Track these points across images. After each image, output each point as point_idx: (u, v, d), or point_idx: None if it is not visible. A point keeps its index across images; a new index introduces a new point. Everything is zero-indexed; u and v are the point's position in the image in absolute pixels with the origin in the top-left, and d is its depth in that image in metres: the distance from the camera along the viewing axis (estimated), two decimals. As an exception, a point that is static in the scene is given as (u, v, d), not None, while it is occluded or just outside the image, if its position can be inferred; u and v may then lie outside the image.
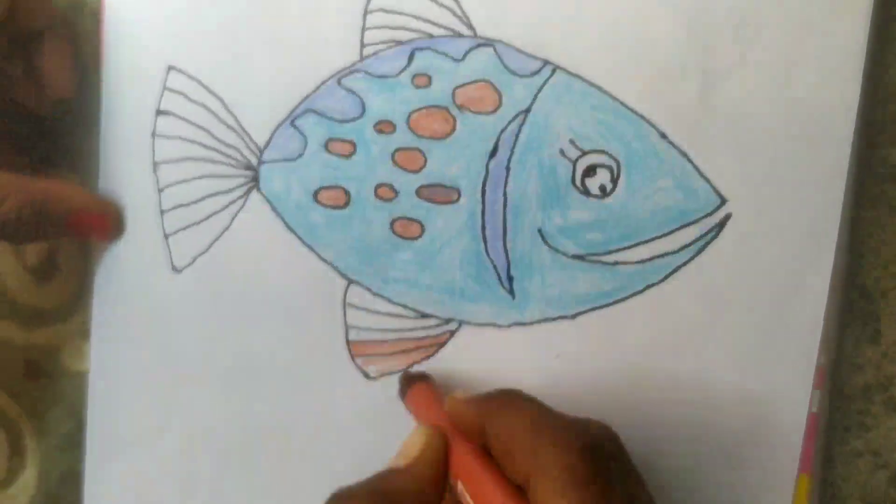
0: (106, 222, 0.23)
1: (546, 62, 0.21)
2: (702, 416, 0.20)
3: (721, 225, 0.20)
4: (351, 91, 0.22)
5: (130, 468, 0.23)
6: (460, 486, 0.17)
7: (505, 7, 0.21)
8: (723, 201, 0.20)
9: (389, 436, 0.19)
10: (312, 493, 0.18)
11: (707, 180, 0.20)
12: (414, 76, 0.22)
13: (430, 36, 0.21)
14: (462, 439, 0.17)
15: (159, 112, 0.23)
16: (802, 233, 0.20)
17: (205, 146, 0.22)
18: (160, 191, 0.23)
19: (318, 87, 0.22)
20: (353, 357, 0.22)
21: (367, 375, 0.22)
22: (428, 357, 0.22)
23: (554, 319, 0.21)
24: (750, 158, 0.20)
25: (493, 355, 0.21)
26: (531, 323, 0.21)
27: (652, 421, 0.20)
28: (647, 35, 0.20)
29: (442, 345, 0.22)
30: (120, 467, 0.23)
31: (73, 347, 0.25)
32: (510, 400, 0.17)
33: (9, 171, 0.22)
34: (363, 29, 0.22)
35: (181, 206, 0.22)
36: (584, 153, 0.21)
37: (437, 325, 0.22)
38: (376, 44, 0.22)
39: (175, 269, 0.23)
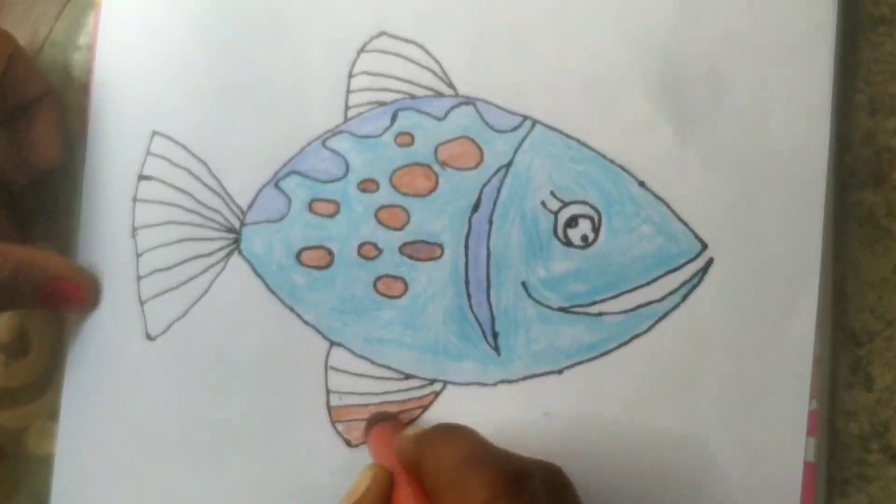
0: (82, 291, 0.40)
1: (525, 117, 0.38)
2: (695, 471, 0.34)
3: (704, 270, 0.35)
4: (335, 152, 0.39)
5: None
6: None
7: (485, 66, 0.38)
8: (704, 246, 0.35)
9: None
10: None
11: (687, 225, 0.36)
12: (397, 135, 0.39)
13: (413, 96, 0.39)
14: (407, 479, 0.30)
15: (141, 177, 0.40)
16: (785, 276, 0.35)
17: (186, 209, 0.40)
18: (138, 256, 0.40)
19: (302, 149, 0.39)
20: (333, 423, 0.37)
21: (348, 443, 0.37)
22: (413, 420, 0.37)
23: (540, 375, 0.36)
24: (728, 203, 0.35)
25: (480, 415, 0.36)
26: (517, 380, 0.36)
27: (644, 478, 0.34)
28: (622, 87, 0.37)
29: (426, 407, 0.37)
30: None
31: (40, 429, 0.41)
32: (444, 434, 0.30)
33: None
34: (347, 91, 0.39)
35: (159, 270, 0.39)
36: (566, 204, 0.37)
37: (422, 387, 0.37)
38: (360, 105, 0.39)
39: (149, 337, 0.39)
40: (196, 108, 0.40)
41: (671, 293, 0.35)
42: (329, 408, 0.38)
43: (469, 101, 0.38)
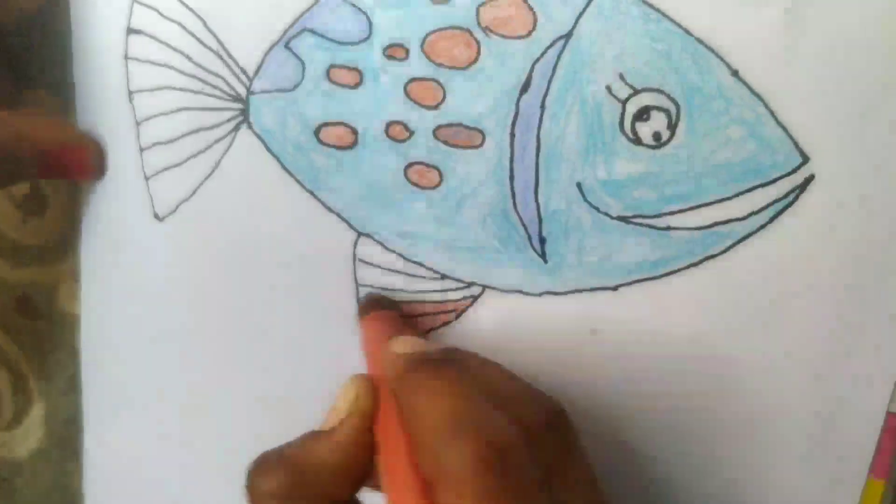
0: (85, 160, 0.35)
1: (592, -26, 0.29)
2: (758, 410, 0.31)
3: (801, 188, 0.29)
4: (355, 7, 0.32)
5: (129, 424, 0.39)
6: (380, 463, 0.25)
7: None
8: (805, 159, 0.29)
9: None
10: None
11: (787, 132, 0.29)
12: (430, -12, 0.31)
13: (449, -62, 0.30)
14: (395, 416, 0.24)
15: (130, 30, 0.34)
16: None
17: (183, 73, 0.34)
18: (138, 124, 0.35)
19: (315, 1, 0.32)
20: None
21: (380, 339, 0.35)
22: (447, 323, 0.34)
23: (592, 290, 0.32)
24: (843, 109, 0.28)
25: (521, 326, 0.33)
26: (565, 293, 0.32)
27: (699, 414, 0.31)
28: (722, -59, 0.28)
29: (462, 311, 0.33)
30: (119, 421, 0.39)
31: (69, 288, 0.40)
32: (434, 377, 0.23)
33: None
34: (368, -72, 0.31)
35: (160, 143, 0.35)
36: (637, 92, 0.30)
37: (458, 290, 0.33)
38: (384, -53, 0.31)
39: (157, 217, 0.36)
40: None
41: (757, 212, 0.29)
42: (359, 301, 0.34)
43: (522, -53, 0.30)
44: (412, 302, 0.34)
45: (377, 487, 0.25)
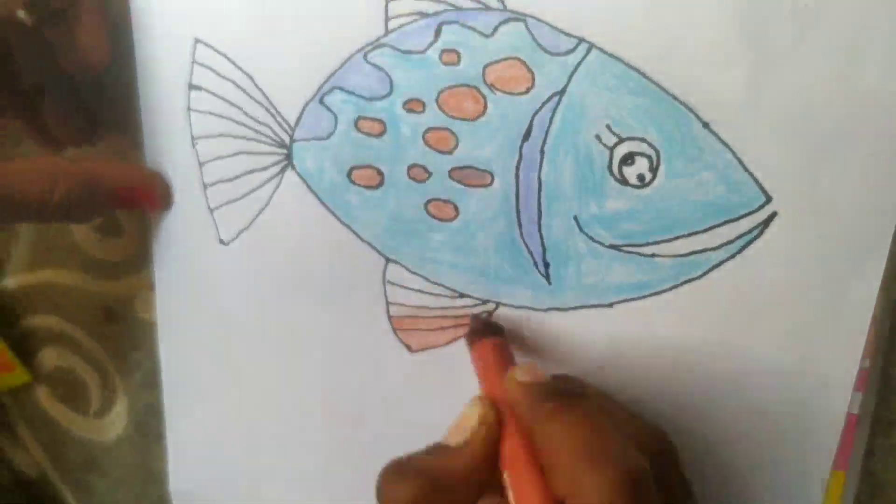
0: (154, 195, 0.41)
1: (581, 40, 0.34)
2: (734, 413, 0.36)
3: (765, 224, 0.33)
4: (377, 67, 0.37)
5: (203, 414, 0.45)
6: (506, 477, 0.28)
7: (535, -23, 0.33)
8: (768, 199, 0.33)
9: (433, 406, 0.38)
10: (361, 459, 0.37)
11: (752, 175, 0.33)
12: (442, 52, 0.36)
13: (457, 8, 0.35)
14: (521, 441, 0.28)
15: (191, 87, 0.40)
16: (853, 238, 0.32)
17: (238, 123, 0.39)
18: (201, 165, 0.41)
19: (343, 63, 0.37)
20: (395, 331, 0.40)
21: (409, 349, 0.40)
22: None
23: (590, 307, 0.37)
24: (800, 154, 0.32)
25: (532, 336, 0.38)
26: (567, 309, 0.37)
27: (681, 415, 0.36)
28: (691, 15, 0.32)
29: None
30: (194, 410, 0.46)
31: (143, 298, 0.46)
32: (567, 407, 0.27)
33: (63, 139, 0.41)
34: (387, 0, 0.36)
35: (222, 181, 0.40)
36: (622, 140, 0.34)
37: (475, 305, 0.39)
38: (401, 16, 0.36)
39: (222, 242, 0.41)
40: (234, 15, 0.38)
41: (728, 243, 0.34)
42: (390, 317, 0.40)
43: (519, 17, 0.34)
44: (437, 317, 0.39)
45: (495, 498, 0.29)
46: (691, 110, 0.33)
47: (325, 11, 0.37)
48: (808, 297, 0.34)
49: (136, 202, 0.41)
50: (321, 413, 0.43)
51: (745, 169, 0.33)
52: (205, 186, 0.41)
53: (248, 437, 0.45)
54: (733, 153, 0.33)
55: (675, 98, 0.33)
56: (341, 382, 0.42)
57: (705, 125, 0.33)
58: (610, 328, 0.37)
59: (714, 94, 0.33)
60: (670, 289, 0.35)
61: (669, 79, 0.33)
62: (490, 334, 0.37)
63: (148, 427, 0.49)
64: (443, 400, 0.36)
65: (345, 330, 0.41)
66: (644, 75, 0.33)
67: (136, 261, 0.46)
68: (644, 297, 0.36)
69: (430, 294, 0.39)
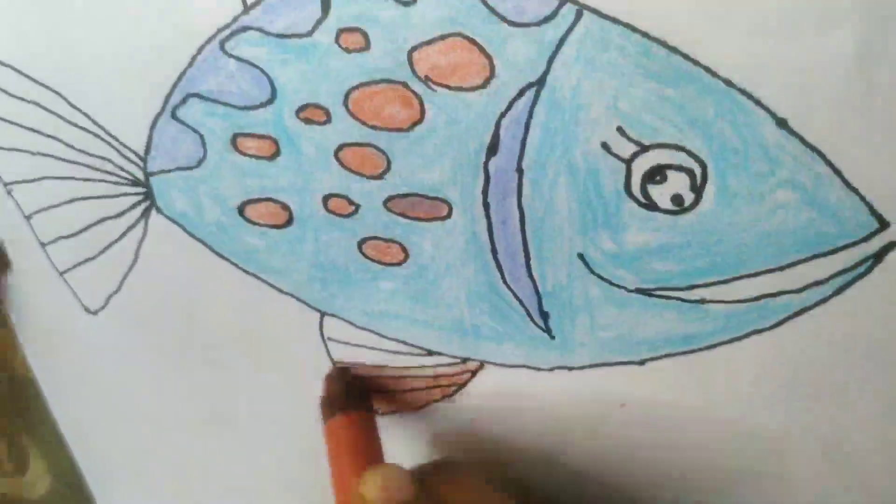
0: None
1: (563, 1, 0.20)
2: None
3: (877, 257, 0.21)
4: (245, 62, 0.23)
5: (127, 485, 0.36)
6: None
7: None
8: (883, 224, 0.21)
9: None
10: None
11: (857, 192, 0.21)
12: (339, 32, 0.22)
13: (350, -37, 0.21)
14: None
15: (-24, 113, 0.26)
16: None
17: (61, 159, 0.26)
18: (28, 218, 0.28)
19: (192, 60, 0.24)
20: (349, 395, 0.29)
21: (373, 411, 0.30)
22: (449, 397, 0.28)
23: (613, 364, 0.26)
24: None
25: (534, 402, 0.27)
26: (581, 367, 0.26)
27: (737, 492, 0.26)
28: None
29: (462, 385, 0.28)
30: (116, 482, 0.36)
31: (18, 355, 0.35)
32: None
33: None
34: (235, -43, 0.22)
35: (63, 238, 0.28)
36: (644, 148, 0.22)
37: (452, 364, 0.28)
38: (262, -20, 0.22)
39: (89, 311, 0.30)
40: (5, 7, 0.24)
41: (817, 283, 0.22)
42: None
43: (454, -31, 0.21)
44: (404, 378, 0.28)
45: None
46: (758, 102, 0.20)
47: (142, -15, 0.23)
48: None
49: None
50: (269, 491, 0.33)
51: (848, 185, 0.21)
52: (42, 245, 0.29)
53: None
54: (829, 163, 0.20)
55: (729, 84, 0.20)
56: (286, 455, 0.32)
57: (781, 123, 0.20)
58: (640, 390, 0.26)
59: (797, 76, 0.20)
60: (728, 342, 0.24)
61: (719, 56, 0.20)
62: (343, 409, 0.27)
63: (80, 484, 0.40)
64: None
65: (282, 399, 0.30)
66: (675, 50, 0.20)
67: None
68: (690, 352, 0.25)
69: (390, 353, 0.28)
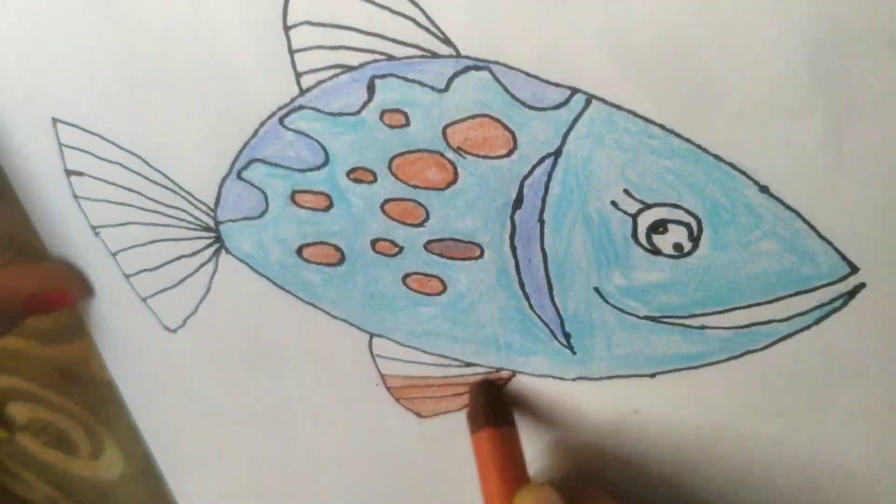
0: (65, 294, 0.34)
1: (574, 90, 0.24)
2: (793, 497, 0.30)
3: (850, 295, 0.25)
4: (301, 133, 0.27)
5: (203, 480, 0.41)
6: None
7: (498, 14, 0.23)
8: (853, 269, 0.25)
9: (450, 475, 0.33)
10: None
11: (830, 243, 0.24)
12: (383, 113, 0.26)
13: (391, 57, 0.25)
14: None
15: (69, 172, 0.30)
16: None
17: (143, 209, 0.31)
18: (114, 255, 0.32)
19: (255, 132, 0.27)
20: (398, 400, 0.34)
21: (418, 415, 0.34)
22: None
23: (628, 377, 0.30)
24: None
25: (559, 406, 0.31)
26: (600, 378, 0.30)
27: (733, 495, 0.30)
28: (738, 50, 0.22)
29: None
30: (192, 477, 0.41)
31: (97, 360, 0.40)
32: None
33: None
34: (290, 51, 0.25)
35: (145, 270, 0.32)
36: (648, 206, 0.25)
37: (488, 373, 0.32)
38: (316, 70, 0.26)
39: (169, 329, 0.34)
40: (99, 88, 0.28)
41: (800, 314, 0.26)
42: (389, 388, 0.34)
43: (480, 64, 0.24)
44: (444, 384, 0.33)
45: None
46: (743, 172, 0.24)
47: (205, 73, 0.27)
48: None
49: (50, 306, 0.34)
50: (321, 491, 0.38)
51: (822, 237, 0.24)
52: (127, 277, 0.33)
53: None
54: (804, 220, 0.24)
55: (718, 158, 0.24)
56: (345, 455, 0.36)
57: (763, 189, 0.24)
58: (654, 397, 0.30)
59: (776, 151, 0.23)
60: (727, 360, 0.28)
61: (708, 136, 0.23)
62: (491, 423, 0.30)
63: (151, 468, 0.45)
64: (462, 469, 0.31)
65: (338, 404, 0.35)
66: (671, 131, 0.24)
67: (77, 327, 0.39)
68: (694, 368, 0.29)
69: (432, 365, 0.32)
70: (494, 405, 0.31)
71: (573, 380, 0.31)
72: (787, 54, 0.21)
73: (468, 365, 0.32)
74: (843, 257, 0.24)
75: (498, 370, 0.31)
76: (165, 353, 0.35)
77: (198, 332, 0.34)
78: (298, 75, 0.26)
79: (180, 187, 0.30)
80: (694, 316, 0.27)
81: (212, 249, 0.31)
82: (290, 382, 0.34)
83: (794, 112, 0.22)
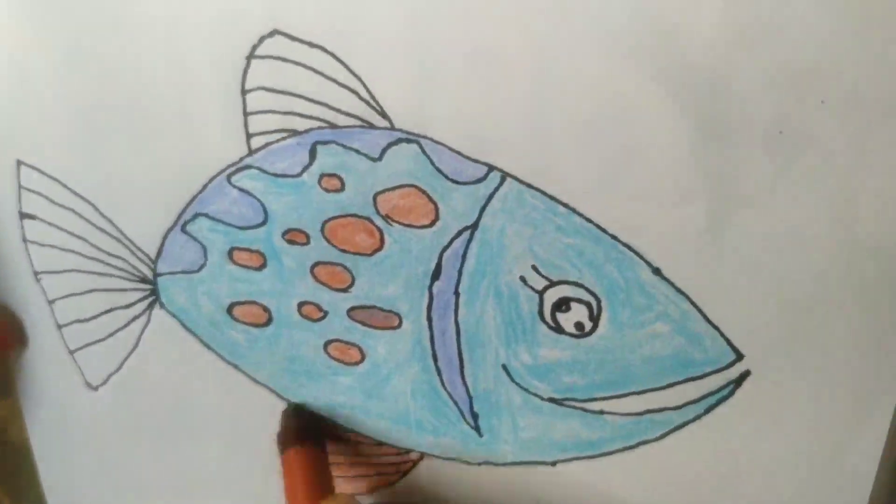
0: (2, 338, 0.36)
1: (491, 167, 0.28)
2: None
3: (737, 382, 0.28)
4: (245, 192, 0.31)
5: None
6: None
7: (430, 91, 0.27)
8: (739, 356, 0.28)
9: None
10: None
11: (717, 329, 0.27)
12: (321, 176, 0.29)
13: (333, 125, 0.29)
14: None
15: (23, 215, 0.34)
16: (846, 400, 0.27)
17: (86, 257, 0.33)
18: (51, 303, 0.35)
19: (204, 187, 0.31)
20: (308, 478, 0.35)
21: (327, 495, 0.36)
22: (392, 483, 0.34)
23: (531, 464, 0.32)
24: (777, 306, 0.26)
25: (465, 492, 0.33)
26: (504, 464, 0.32)
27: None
28: (636, 139, 0.26)
29: (405, 472, 0.34)
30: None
31: (18, 423, 0.41)
32: None
33: None
34: (245, 113, 0.29)
35: (79, 321, 0.35)
36: (553, 283, 0.29)
37: (397, 454, 0.34)
38: (266, 133, 0.29)
39: (91, 387, 0.36)
40: (62, 135, 0.32)
41: (692, 402, 0.29)
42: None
43: (412, 137, 0.28)
44: (354, 464, 0.34)
45: None
46: (637, 253, 0.27)
47: (169, 128, 0.30)
48: (792, 469, 0.29)
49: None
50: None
51: (708, 321, 0.27)
52: (59, 327, 0.35)
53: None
54: (692, 303, 0.27)
55: (615, 238, 0.27)
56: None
57: (656, 271, 0.27)
58: (553, 489, 0.32)
59: (666, 235, 0.27)
60: (623, 449, 0.30)
61: (607, 216, 0.27)
62: (298, 442, 0.32)
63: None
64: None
65: (252, 475, 0.36)
66: (574, 210, 0.27)
67: (2, 386, 0.40)
68: (593, 457, 0.31)
69: (343, 442, 0.34)
70: (305, 426, 0.33)
71: (479, 464, 0.33)
72: (674, 144, 0.25)
73: (378, 444, 0.34)
74: (729, 342, 0.27)
75: (407, 451, 0.33)
76: (84, 413, 0.37)
77: (119, 391, 0.36)
78: (249, 136, 0.30)
79: (125, 236, 0.33)
80: (594, 400, 0.30)
81: (146, 302, 0.34)
82: (207, 449, 0.36)
83: (680, 199, 0.26)
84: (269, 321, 0.32)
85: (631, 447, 0.30)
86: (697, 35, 0.24)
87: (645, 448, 0.30)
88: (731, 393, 0.28)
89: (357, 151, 0.29)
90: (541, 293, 0.29)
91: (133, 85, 0.30)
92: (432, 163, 0.28)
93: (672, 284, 0.27)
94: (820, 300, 0.26)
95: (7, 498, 0.44)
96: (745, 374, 0.28)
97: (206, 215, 0.31)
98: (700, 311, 0.27)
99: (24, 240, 0.34)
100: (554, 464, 0.31)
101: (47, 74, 0.31)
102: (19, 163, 0.33)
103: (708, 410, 0.29)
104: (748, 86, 0.24)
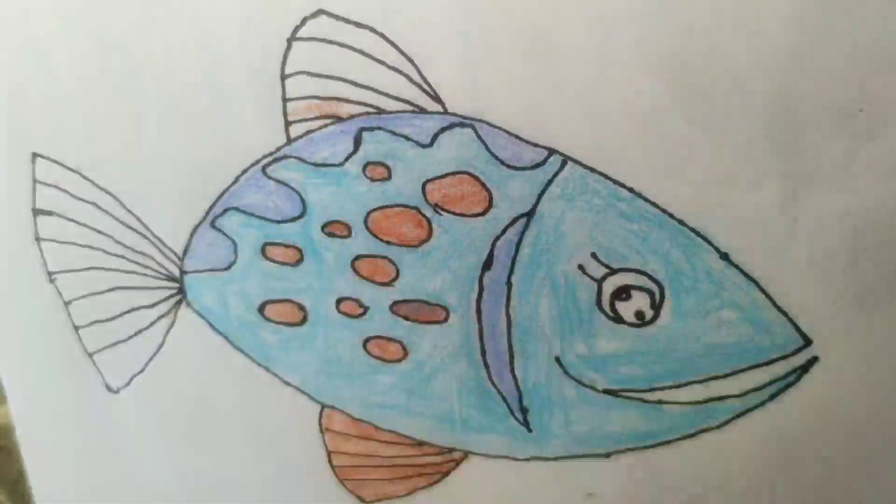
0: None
1: (551, 151, 0.27)
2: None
3: (803, 369, 0.28)
4: (282, 183, 0.30)
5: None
6: None
7: (487, 72, 0.26)
8: (807, 342, 0.28)
9: None
10: None
11: (786, 314, 0.27)
12: (366, 165, 0.29)
13: (381, 111, 0.28)
14: None
15: (37, 211, 0.32)
16: (917, 385, 0.27)
17: (109, 254, 0.32)
18: (67, 304, 0.34)
19: (237, 179, 0.30)
20: (341, 481, 0.35)
21: (361, 500, 0.35)
22: (432, 485, 0.34)
23: (583, 457, 0.32)
24: (848, 291, 0.26)
25: (511, 489, 0.33)
26: (555, 458, 0.32)
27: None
28: (705, 119, 0.25)
29: (446, 473, 0.33)
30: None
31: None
32: None
33: None
34: (284, 99, 0.28)
35: (98, 322, 0.34)
36: (613, 271, 0.28)
37: (439, 454, 0.33)
38: (306, 120, 0.28)
39: (111, 390, 0.35)
40: (81, 123, 0.30)
41: (755, 390, 0.29)
42: (333, 467, 0.34)
43: (465, 122, 0.27)
44: (392, 466, 0.34)
45: None
46: (705, 238, 0.27)
47: (199, 117, 0.29)
48: (859, 453, 0.29)
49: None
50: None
51: (778, 308, 0.27)
52: (76, 329, 0.34)
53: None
54: (762, 290, 0.27)
55: (682, 223, 0.27)
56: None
57: (724, 256, 0.27)
58: (606, 481, 0.31)
59: (736, 218, 0.26)
60: (682, 438, 0.30)
61: (674, 200, 0.27)
62: None
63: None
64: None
65: (280, 483, 0.35)
66: (639, 195, 0.27)
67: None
68: (649, 447, 0.31)
69: (382, 442, 0.33)
70: None
71: (527, 460, 0.32)
72: (747, 125, 0.25)
73: (419, 444, 0.33)
74: (798, 329, 0.27)
75: (450, 450, 0.33)
76: (102, 415, 0.35)
77: (142, 393, 0.35)
78: (288, 124, 0.29)
79: (151, 232, 0.31)
80: (652, 390, 0.29)
81: (172, 301, 0.33)
82: (232, 454, 0.35)
83: (753, 181, 0.26)
84: (304, 320, 0.32)
85: (690, 436, 0.30)
86: (775, 11, 0.24)
87: (705, 437, 0.30)
88: (798, 379, 0.28)
89: (406, 138, 0.28)
90: (600, 282, 0.28)
91: (161, 71, 0.29)
92: (487, 148, 0.27)
93: (741, 270, 0.27)
94: (894, 284, 0.26)
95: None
96: (812, 361, 0.28)
97: (239, 209, 0.30)
98: (769, 296, 0.27)
99: (37, 238, 0.33)
100: (608, 455, 0.31)
101: (70, 60, 0.29)
102: (35, 156, 0.31)
103: (772, 398, 0.29)
104: (829, 63, 0.24)
